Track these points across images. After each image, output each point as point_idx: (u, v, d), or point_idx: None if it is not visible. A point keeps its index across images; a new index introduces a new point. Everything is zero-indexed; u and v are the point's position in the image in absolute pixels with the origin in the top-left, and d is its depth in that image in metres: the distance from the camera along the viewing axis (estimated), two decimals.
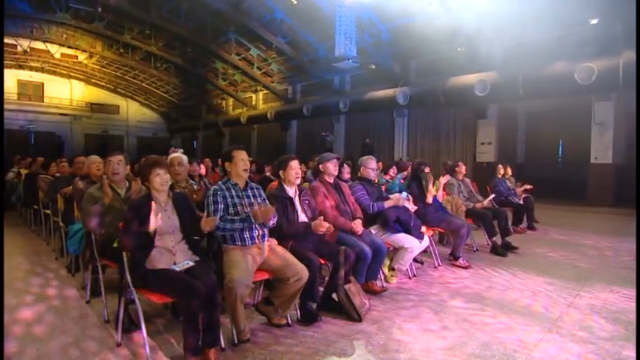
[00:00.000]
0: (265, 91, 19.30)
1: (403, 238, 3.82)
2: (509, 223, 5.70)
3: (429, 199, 4.68)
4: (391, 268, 4.02)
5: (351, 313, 3.10)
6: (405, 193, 4.19)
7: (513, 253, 5.26)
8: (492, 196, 6.04)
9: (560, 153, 12.71)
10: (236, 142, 20.23)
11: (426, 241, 4.14)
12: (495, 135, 12.45)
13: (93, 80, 24.84)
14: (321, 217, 3.15)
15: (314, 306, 3.11)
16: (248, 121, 19.56)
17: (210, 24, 15.05)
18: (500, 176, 6.99)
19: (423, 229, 4.16)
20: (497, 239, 5.34)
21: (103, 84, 25.27)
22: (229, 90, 20.06)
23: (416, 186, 4.77)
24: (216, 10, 13.39)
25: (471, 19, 9.62)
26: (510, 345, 2.74)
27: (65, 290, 3.86)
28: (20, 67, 22.60)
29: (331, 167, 3.66)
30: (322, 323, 3.03)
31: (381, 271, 3.81)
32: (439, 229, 4.98)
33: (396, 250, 3.91)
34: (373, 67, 13.73)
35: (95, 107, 25.82)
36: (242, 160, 2.94)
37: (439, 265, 4.67)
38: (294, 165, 3.20)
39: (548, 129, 12.50)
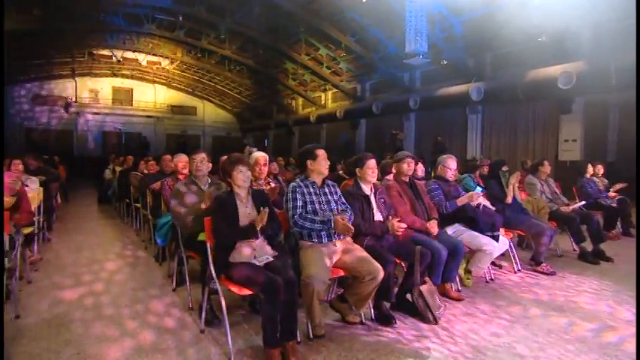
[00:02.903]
0: (334, 90, 19.43)
1: (482, 240, 3.64)
2: (601, 227, 5.19)
3: (509, 199, 4.42)
4: (467, 271, 3.86)
5: (426, 315, 3.03)
6: (479, 188, 3.99)
7: (606, 262, 4.78)
8: (582, 202, 5.46)
9: None
10: (306, 141, 20.65)
11: (504, 244, 3.91)
12: (581, 131, 11.38)
13: (173, 84, 26.73)
14: (398, 218, 3.10)
15: (388, 305, 3.09)
16: (317, 120, 19.82)
17: (281, 26, 15.48)
18: (588, 176, 6.35)
19: (502, 231, 3.94)
20: (587, 245, 4.89)
21: (182, 87, 27.10)
22: (299, 90, 20.49)
23: (495, 185, 4.53)
24: (287, 11, 13.72)
25: (554, 4, 8.87)
26: None
27: (153, 278, 4.21)
28: (114, 75, 25.02)
29: (404, 167, 3.59)
30: (397, 323, 2.99)
31: (456, 274, 3.67)
32: (519, 232, 4.68)
33: (472, 252, 3.74)
34: (445, 62, 13.23)
35: (175, 109, 27.76)
36: (325, 158, 3.00)
37: (519, 270, 4.39)
38: (372, 163, 3.20)
39: None
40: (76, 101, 24.74)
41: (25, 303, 3.39)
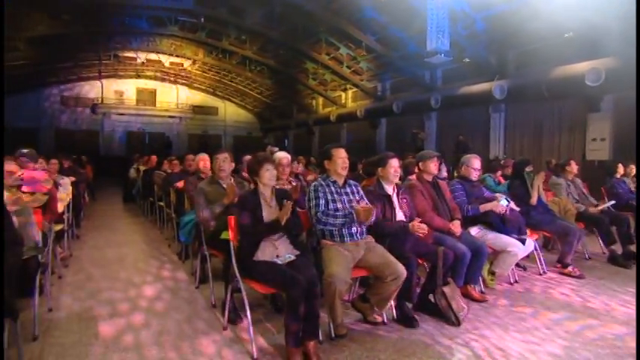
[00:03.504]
0: (355, 90, 19.38)
1: (506, 241, 3.57)
2: (632, 229, 5.01)
3: (534, 200, 4.32)
4: (491, 272, 3.79)
5: (449, 316, 3.00)
6: (504, 201, 3.89)
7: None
8: (611, 202, 5.29)
9: None
10: (326, 141, 20.66)
11: (530, 245, 3.83)
12: (610, 130, 11.01)
13: (195, 85, 27.16)
14: (419, 219, 3.08)
15: (410, 306, 3.07)
16: (338, 120, 19.81)
17: (301, 26, 15.53)
18: (619, 176, 6.13)
19: (527, 232, 3.86)
20: (617, 248, 4.74)
21: (203, 88, 27.50)
22: (319, 89, 20.52)
23: (519, 186, 4.44)
24: (307, 11, 13.76)
25: None
26: None
27: (177, 275, 4.30)
28: (138, 76, 25.61)
29: (432, 166, 3.56)
30: (419, 324, 2.97)
31: (480, 276, 3.62)
32: (545, 233, 4.58)
33: (496, 253, 3.68)
34: (467, 60, 13.00)
35: (197, 109, 28.19)
36: (341, 158, 2.99)
37: (544, 273, 4.29)
38: (394, 163, 3.18)
39: None
40: (102, 102, 25.42)
41: (57, 297, 3.51)
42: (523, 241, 3.65)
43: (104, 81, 25.31)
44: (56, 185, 4.30)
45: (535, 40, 11.19)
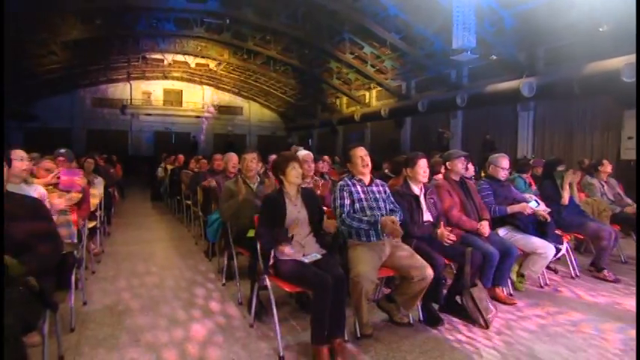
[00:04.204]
0: (379, 89, 19.24)
1: (536, 242, 3.48)
2: None
3: (565, 200, 4.19)
4: (520, 274, 3.70)
5: (476, 318, 2.95)
6: (534, 203, 3.79)
7: None
8: None
9: None
10: (350, 140, 20.61)
11: (561, 247, 3.72)
12: None
13: (220, 85, 27.53)
14: (448, 228, 3.03)
15: (437, 307, 3.03)
16: (362, 119, 19.74)
17: (325, 25, 15.54)
18: None
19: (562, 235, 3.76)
20: None
21: (228, 88, 27.85)
22: (343, 89, 20.47)
23: (550, 185, 4.31)
24: (331, 11, 13.75)
25: None
26: None
27: (204, 272, 4.38)
28: (165, 77, 26.17)
29: (459, 165, 3.50)
30: (446, 326, 2.94)
31: (508, 278, 3.54)
32: (577, 235, 4.44)
33: (526, 255, 3.59)
34: (494, 57, 12.70)
35: (222, 109, 28.60)
36: (360, 157, 2.98)
37: (577, 276, 4.15)
38: (423, 163, 3.15)
39: None
40: (130, 103, 26.12)
41: (90, 291, 3.64)
42: (559, 249, 3.56)
43: (133, 82, 25.99)
44: (90, 184, 4.47)
45: (566, 36, 10.84)
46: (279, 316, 2.69)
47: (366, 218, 2.81)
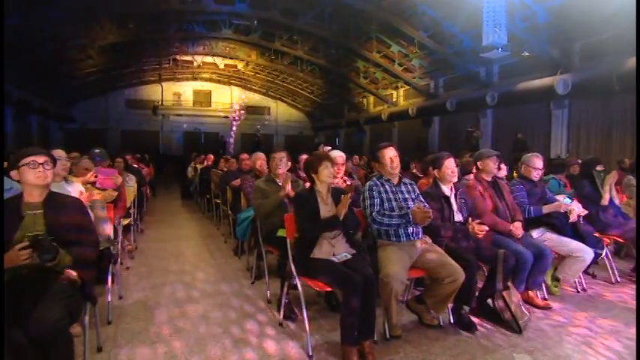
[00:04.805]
0: (406, 88, 19.03)
1: (573, 245, 3.36)
2: None
3: (605, 201, 4.02)
4: (555, 278, 3.58)
5: (509, 323, 2.87)
6: (568, 199, 3.65)
7: None
8: None
9: None
10: (377, 140, 20.46)
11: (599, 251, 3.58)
12: None
13: (248, 85, 27.89)
14: (478, 221, 2.97)
15: (467, 310, 2.97)
16: (389, 118, 19.58)
17: (352, 24, 15.49)
18: None
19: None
20: None
21: (256, 88, 28.18)
22: (370, 88, 20.36)
23: (588, 186, 4.15)
24: (358, 10, 13.70)
25: None
26: None
27: (233, 270, 4.46)
28: (195, 78, 26.77)
29: (491, 165, 3.41)
30: (477, 329, 2.88)
31: (543, 281, 3.43)
32: (617, 238, 4.24)
33: (561, 258, 3.47)
34: (526, 54, 12.31)
35: (250, 109, 28.95)
36: (390, 158, 2.94)
37: (617, 282, 3.97)
38: (449, 164, 3.09)
39: None
40: (162, 104, 26.84)
41: (125, 286, 3.77)
42: (598, 254, 3.43)
43: (164, 84, 26.68)
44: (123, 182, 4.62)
45: (605, 30, 10.37)
46: (308, 315, 2.70)
47: (395, 213, 2.78)
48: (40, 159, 2.10)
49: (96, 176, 3.71)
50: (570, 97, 11.89)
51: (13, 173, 2.12)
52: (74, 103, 22.99)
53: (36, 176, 2.07)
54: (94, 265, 2.28)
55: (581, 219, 3.52)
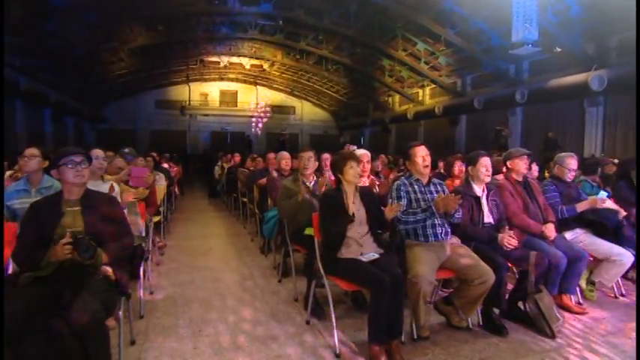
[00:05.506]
0: (432, 86, 18.76)
1: (610, 248, 3.23)
2: None
3: None
4: (591, 282, 3.45)
5: (541, 327, 2.79)
6: (604, 193, 3.50)
7: None
8: None
9: None
10: (403, 139, 20.22)
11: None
12: None
13: (274, 85, 28.15)
14: (509, 233, 2.90)
15: (497, 312, 2.91)
16: (415, 117, 19.36)
17: (377, 23, 15.39)
18: None
19: None
20: None
21: (282, 88, 28.41)
22: (396, 86, 20.18)
23: (625, 186, 3.97)
24: (383, 7, 13.60)
25: None
26: None
27: (260, 268, 4.50)
28: (221, 79, 27.23)
29: (522, 164, 3.32)
30: (508, 332, 2.80)
31: (577, 285, 3.32)
32: None
33: (598, 261, 3.34)
34: (558, 50, 11.92)
35: (275, 109, 29.19)
36: (421, 156, 2.90)
37: None
38: (485, 161, 3.03)
39: None
40: (189, 104, 27.41)
41: (156, 282, 3.87)
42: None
43: (191, 84, 27.23)
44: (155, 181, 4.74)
45: None
46: (335, 314, 2.70)
47: (420, 208, 2.76)
48: (78, 158, 2.18)
49: (129, 175, 3.82)
50: (605, 94, 11.43)
51: (54, 172, 2.22)
52: (105, 104, 23.79)
53: (74, 175, 2.16)
54: (128, 260, 2.36)
55: (624, 221, 3.38)
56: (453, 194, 2.79)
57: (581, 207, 3.39)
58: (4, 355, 1.71)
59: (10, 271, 2.33)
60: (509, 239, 2.86)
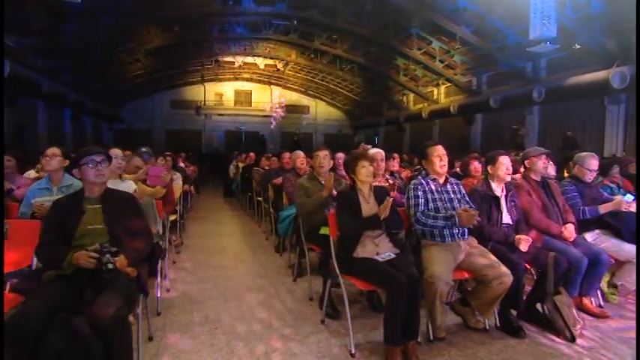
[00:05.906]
0: (447, 85, 18.57)
1: (633, 249, 3.15)
2: None
3: None
4: (612, 285, 3.38)
5: (560, 330, 2.74)
6: (630, 197, 3.42)
7: None
8: None
9: None
10: (417, 138, 20.05)
11: None
12: None
13: (288, 85, 28.21)
14: (525, 237, 2.85)
15: (515, 314, 2.86)
16: (429, 116, 19.19)
17: (391, 22, 15.30)
18: None
19: None
20: None
21: (296, 87, 28.46)
22: (410, 85, 20.03)
23: None
24: (397, 6, 13.51)
25: None
26: None
27: (275, 267, 4.53)
28: (236, 79, 27.43)
29: (540, 164, 3.27)
30: (525, 334, 2.76)
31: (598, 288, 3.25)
32: None
33: (620, 264, 3.26)
34: (577, 47, 11.66)
35: (289, 109, 29.24)
36: (438, 156, 2.88)
37: None
38: (504, 160, 2.99)
39: None
40: (204, 104, 27.69)
41: (173, 280, 3.93)
42: None
43: (206, 84, 27.48)
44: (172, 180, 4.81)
45: None
46: (350, 313, 2.70)
47: (441, 215, 2.73)
48: (98, 158, 2.24)
49: (147, 174, 3.88)
50: (628, 92, 11.15)
51: (75, 171, 2.27)
52: (122, 104, 24.18)
53: (95, 174, 2.21)
54: (147, 258, 2.40)
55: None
56: (473, 208, 2.75)
57: (604, 208, 3.31)
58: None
59: (33, 267, 2.40)
60: (525, 241, 2.81)
